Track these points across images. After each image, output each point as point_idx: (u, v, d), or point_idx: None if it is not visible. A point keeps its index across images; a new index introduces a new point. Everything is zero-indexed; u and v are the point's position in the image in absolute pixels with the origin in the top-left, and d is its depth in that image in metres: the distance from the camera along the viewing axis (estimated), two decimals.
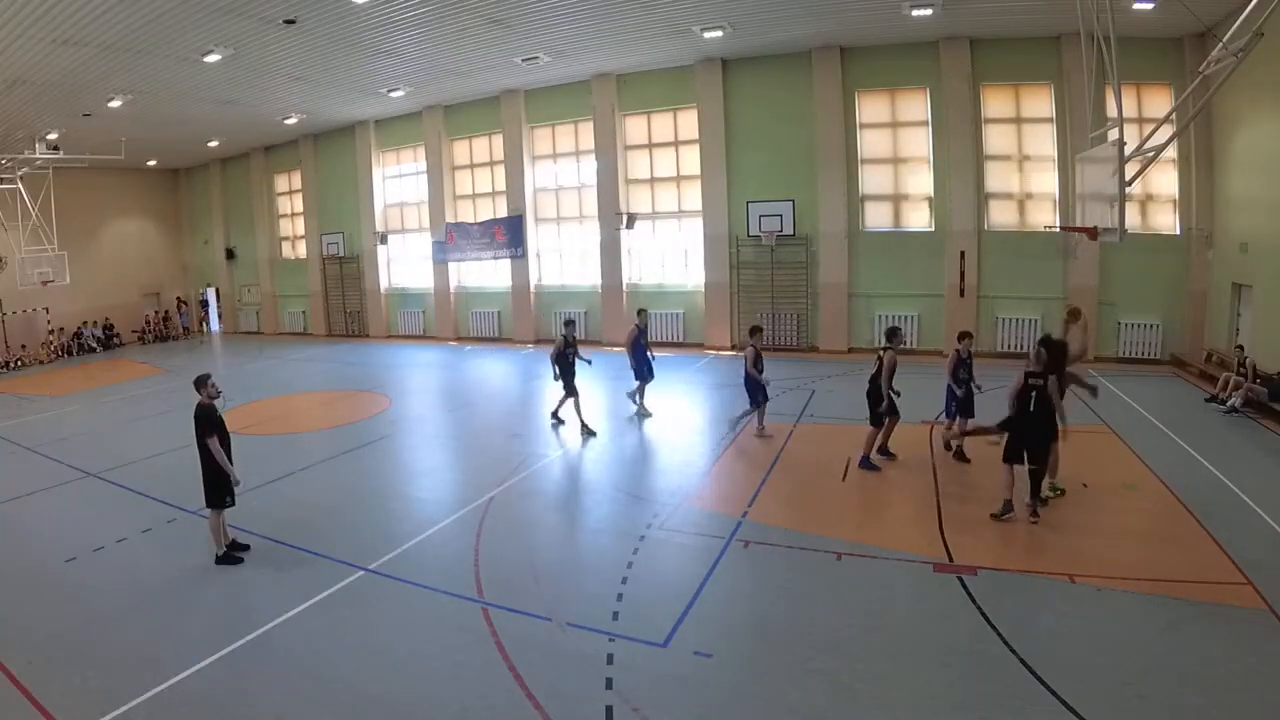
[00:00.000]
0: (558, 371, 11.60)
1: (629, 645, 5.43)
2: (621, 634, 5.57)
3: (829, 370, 15.49)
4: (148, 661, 5.34)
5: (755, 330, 11.10)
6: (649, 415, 12.34)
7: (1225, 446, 9.64)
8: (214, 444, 6.94)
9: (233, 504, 7.16)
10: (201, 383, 7.13)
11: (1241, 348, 12.13)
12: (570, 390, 11.55)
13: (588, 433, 11.28)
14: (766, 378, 10.73)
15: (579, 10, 13.75)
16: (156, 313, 28.58)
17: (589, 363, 12.18)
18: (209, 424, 6.97)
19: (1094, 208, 9.90)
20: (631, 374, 12.59)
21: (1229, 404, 11.28)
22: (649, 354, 12.58)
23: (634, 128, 19.61)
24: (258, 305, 28.20)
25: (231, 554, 7.16)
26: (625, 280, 19.94)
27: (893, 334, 9.32)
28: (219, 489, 7.02)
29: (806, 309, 17.98)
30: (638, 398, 12.53)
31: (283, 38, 13.78)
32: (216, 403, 7.21)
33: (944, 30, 15.35)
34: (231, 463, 7.18)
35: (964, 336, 9.41)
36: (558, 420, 11.99)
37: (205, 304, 30.40)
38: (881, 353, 9.14)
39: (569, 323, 12.28)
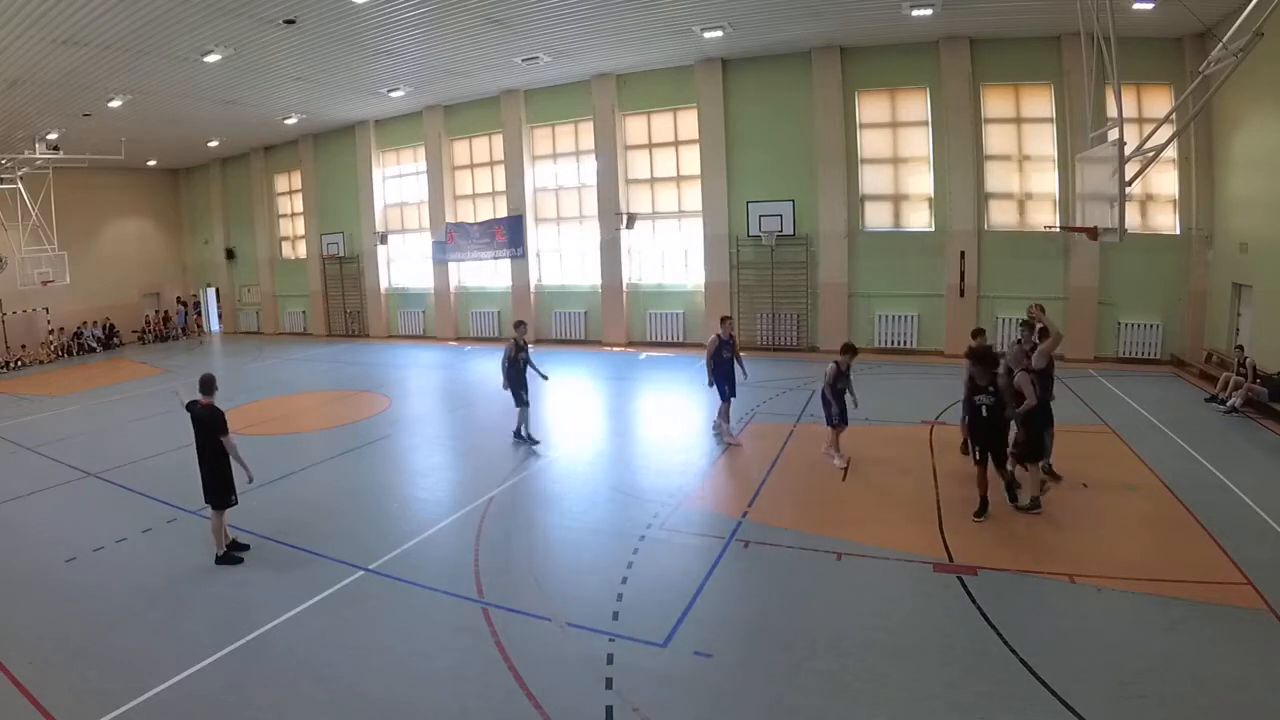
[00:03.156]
0: (508, 381, 10.58)
1: (629, 645, 5.43)
2: (621, 634, 5.57)
3: None
4: (148, 661, 5.35)
5: (847, 348, 9.49)
6: (737, 445, 10.40)
7: (1225, 446, 9.64)
8: (229, 441, 7.00)
9: (236, 503, 7.20)
10: (210, 386, 7.12)
11: (1241, 348, 12.13)
12: (522, 402, 10.64)
13: (531, 441, 10.71)
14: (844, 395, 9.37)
15: (579, 10, 13.75)
16: (157, 312, 28.58)
17: (545, 377, 11.22)
18: (224, 424, 7.02)
19: (1094, 208, 9.91)
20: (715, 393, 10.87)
21: (1229, 404, 11.28)
22: (738, 366, 10.57)
23: (634, 128, 19.61)
24: (258, 305, 28.19)
25: (231, 554, 7.18)
26: (625, 280, 19.94)
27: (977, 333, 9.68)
28: (225, 490, 7.06)
29: (806, 309, 17.98)
30: (720, 421, 10.64)
31: (283, 38, 13.77)
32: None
33: (944, 30, 15.35)
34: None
35: (846, 350, 9.41)
36: (527, 439, 10.81)
37: (198, 306, 30.09)
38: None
39: (520, 324, 11.00)
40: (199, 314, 30.15)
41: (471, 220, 22.16)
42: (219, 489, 7.06)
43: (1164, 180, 15.13)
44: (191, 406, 7.14)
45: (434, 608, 6.18)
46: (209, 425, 7.01)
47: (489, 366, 18.63)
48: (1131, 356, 15.44)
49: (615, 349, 19.71)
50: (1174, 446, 9.69)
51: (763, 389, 13.91)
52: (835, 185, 17.16)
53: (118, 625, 5.99)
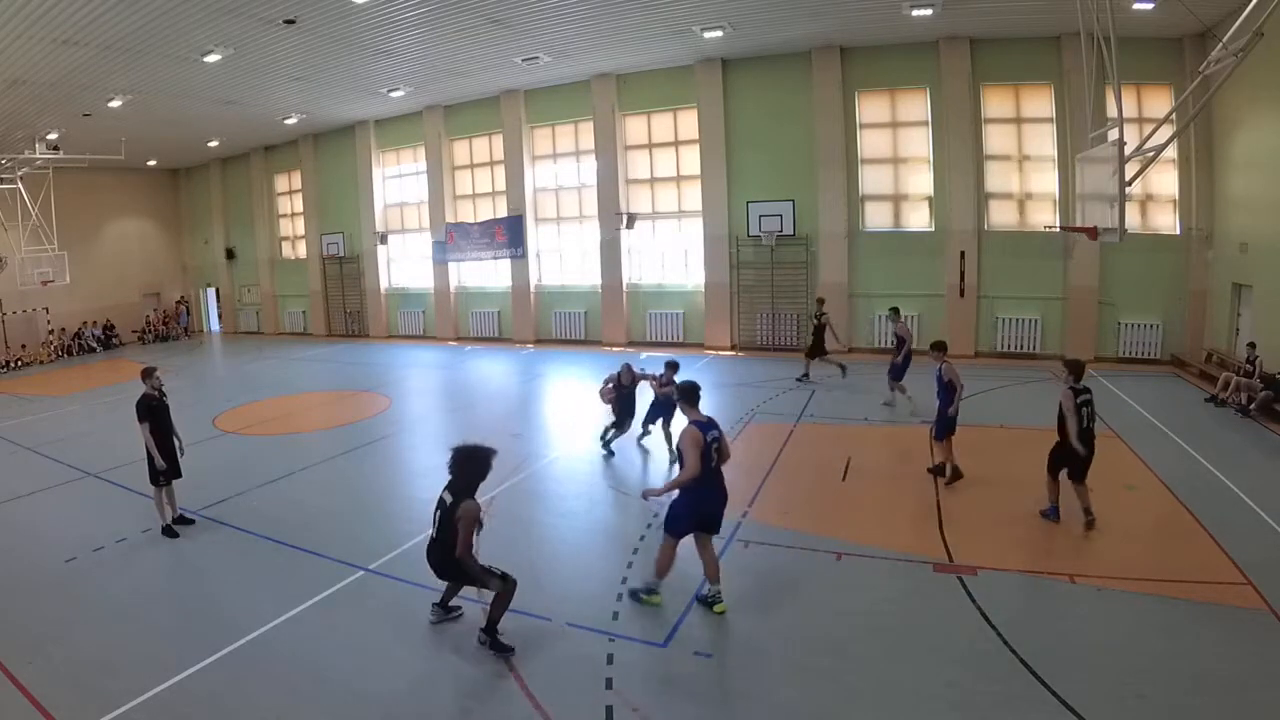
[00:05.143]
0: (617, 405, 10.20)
1: (629, 645, 5.43)
2: (621, 634, 5.57)
3: (829, 370, 15.45)
4: (148, 661, 5.34)
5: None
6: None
7: (1225, 447, 9.64)
8: (145, 430, 7.74)
9: (165, 483, 7.85)
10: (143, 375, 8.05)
11: (1253, 345, 11.94)
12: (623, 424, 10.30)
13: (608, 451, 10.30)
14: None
15: (579, 10, 13.75)
16: (156, 311, 28.56)
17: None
18: (142, 413, 7.74)
19: (1094, 208, 9.91)
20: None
21: (1240, 403, 11.20)
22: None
23: (634, 128, 19.60)
24: (258, 305, 28.20)
25: (170, 527, 7.86)
26: (625, 280, 19.94)
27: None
28: (151, 470, 7.81)
29: (806, 309, 17.96)
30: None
31: (283, 38, 13.78)
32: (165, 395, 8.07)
33: (944, 30, 15.35)
34: (179, 443, 8.10)
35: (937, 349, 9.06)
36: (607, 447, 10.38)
37: (187, 307, 29.73)
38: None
39: (672, 364, 9.98)
40: (186, 312, 29.63)
41: (471, 220, 22.16)
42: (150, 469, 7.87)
43: (1164, 180, 15.13)
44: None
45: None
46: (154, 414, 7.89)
47: (489, 366, 18.67)
48: (1131, 356, 15.44)
49: (615, 349, 19.70)
50: (1174, 447, 9.69)
51: (763, 389, 13.93)
52: (835, 185, 17.16)
53: (118, 625, 5.99)
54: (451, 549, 5.25)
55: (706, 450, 5.69)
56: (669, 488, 5.80)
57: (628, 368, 10.28)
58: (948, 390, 8.47)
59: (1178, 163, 14.82)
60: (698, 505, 5.80)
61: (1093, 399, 7.17)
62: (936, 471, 8.70)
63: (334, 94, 19.16)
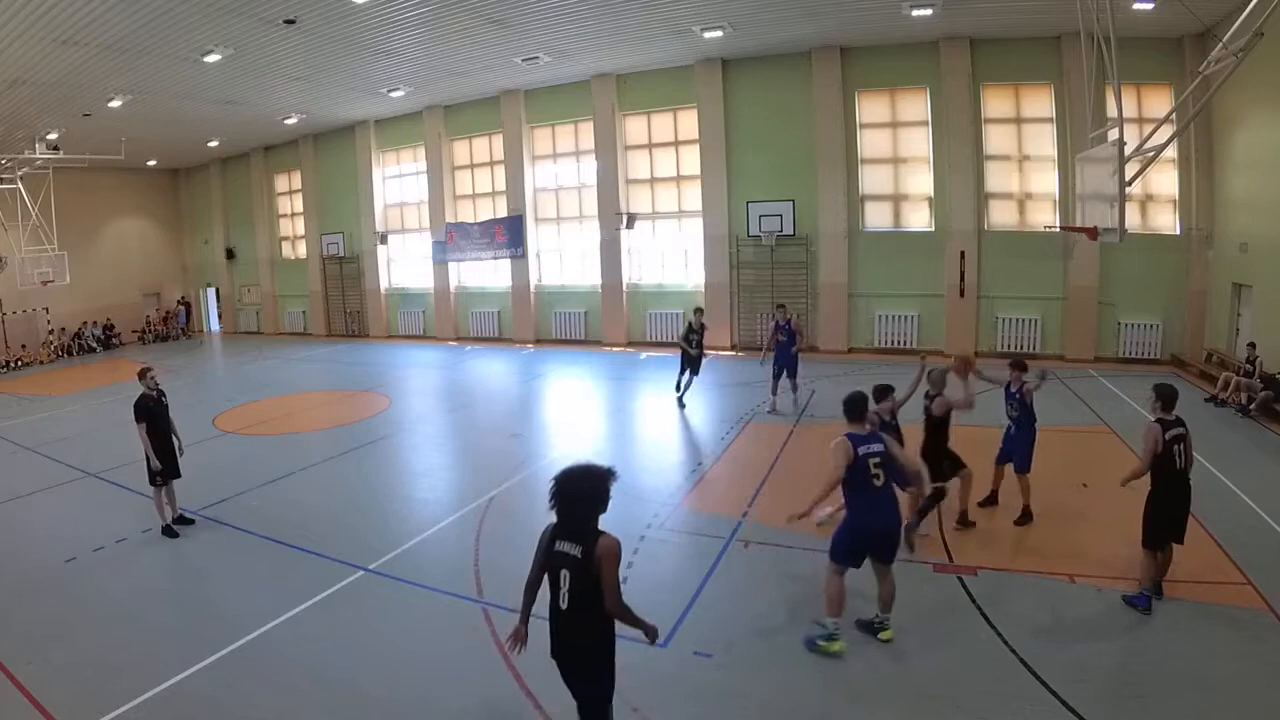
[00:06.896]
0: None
1: (629, 645, 5.41)
2: (621, 634, 5.55)
3: (829, 370, 15.46)
4: (148, 661, 5.34)
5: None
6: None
7: (1225, 446, 9.62)
8: (141, 431, 7.72)
9: (164, 483, 7.84)
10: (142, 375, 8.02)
11: (1253, 345, 11.94)
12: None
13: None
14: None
15: (579, 10, 13.75)
16: (156, 311, 28.56)
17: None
18: (139, 413, 7.74)
19: (1094, 208, 9.90)
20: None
21: (1240, 403, 11.20)
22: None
23: (634, 128, 19.60)
24: (258, 305, 28.19)
25: (170, 527, 7.87)
26: (625, 280, 19.94)
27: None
28: (150, 471, 7.80)
29: (806, 309, 17.94)
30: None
31: (283, 38, 13.77)
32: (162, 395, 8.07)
33: (944, 30, 15.35)
34: (179, 443, 8.09)
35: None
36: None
37: (187, 307, 29.67)
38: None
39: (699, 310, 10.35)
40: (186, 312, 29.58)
41: (471, 220, 22.16)
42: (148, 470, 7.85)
43: (1164, 180, 15.12)
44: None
45: (434, 608, 6.18)
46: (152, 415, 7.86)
47: (489, 366, 18.67)
48: (1131, 356, 15.43)
49: (615, 349, 19.71)
50: None
51: (763, 389, 13.89)
52: (835, 185, 17.15)
53: (118, 625, 5.99)
54: (595, 622, 3.81)
55: (859, 462, 5.07)
56: (814, 504, 5.13)
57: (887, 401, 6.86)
58: (1029, 414, 7.35)
59: (1178, 163, 14.81)
60: (856, 526, 5.18)
61: (1188, 434, 5.69)
62: (989, 501, 7.69)
63: (334, 94, 19.16)
